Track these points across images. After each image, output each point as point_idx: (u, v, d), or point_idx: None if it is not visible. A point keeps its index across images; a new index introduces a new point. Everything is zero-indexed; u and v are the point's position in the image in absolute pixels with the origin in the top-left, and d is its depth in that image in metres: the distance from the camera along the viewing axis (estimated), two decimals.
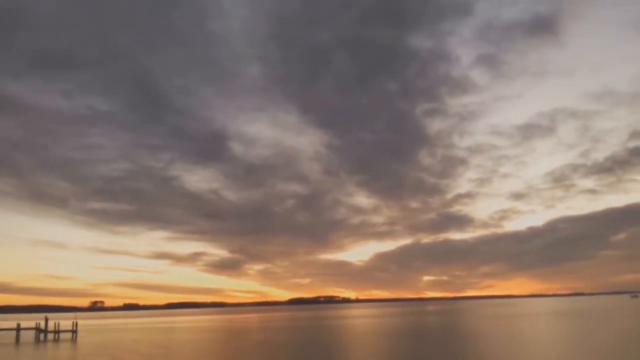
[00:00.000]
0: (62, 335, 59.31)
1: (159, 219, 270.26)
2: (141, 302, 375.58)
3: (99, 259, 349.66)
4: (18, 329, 54.93)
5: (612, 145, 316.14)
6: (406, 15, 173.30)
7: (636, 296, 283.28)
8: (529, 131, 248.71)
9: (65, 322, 78.86)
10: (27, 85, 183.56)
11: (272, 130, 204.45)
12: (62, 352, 40.45)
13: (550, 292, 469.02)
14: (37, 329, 57.77)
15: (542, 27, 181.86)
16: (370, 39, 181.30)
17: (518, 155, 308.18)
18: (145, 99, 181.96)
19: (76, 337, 56.30)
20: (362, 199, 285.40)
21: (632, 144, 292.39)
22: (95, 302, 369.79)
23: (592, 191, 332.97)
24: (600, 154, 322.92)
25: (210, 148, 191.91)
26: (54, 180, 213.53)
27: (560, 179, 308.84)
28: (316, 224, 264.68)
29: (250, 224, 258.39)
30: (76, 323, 60.11)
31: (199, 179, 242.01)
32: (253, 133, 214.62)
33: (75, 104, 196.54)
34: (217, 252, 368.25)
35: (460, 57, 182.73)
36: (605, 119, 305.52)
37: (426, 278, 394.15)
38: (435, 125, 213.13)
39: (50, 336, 58.56)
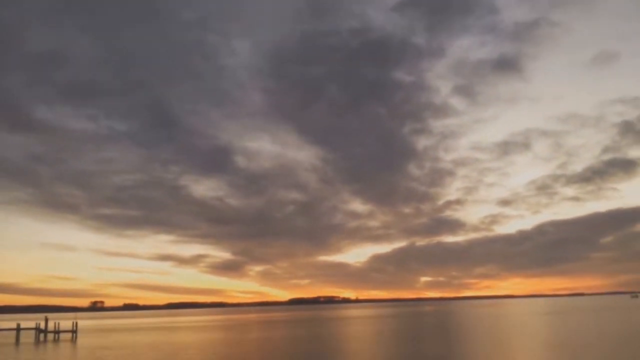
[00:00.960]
0: (62, 336, 59.23)
1: (165, 223, 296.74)
2: (142, 302, 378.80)
3: (105, 260, 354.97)
4: (18, 329, 54.92)
5: (587, 159, 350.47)
6: (389, 56, 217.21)
7: (636, 296, 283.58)
8: (507, 147, 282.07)
9: (65, 322, 78.89)
10: (57, 112, 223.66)
11: (273, 146, 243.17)
12: (62, 352, 40.57)
13: (550, 292, 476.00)
14: (37, 329, 57.78)
15: (507, 65, 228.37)
16: (358, 73, 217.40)
17: (500, 168, 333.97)
18: (160, 121, 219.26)
19: (76, 337, 56.32)
20: (358, 205, 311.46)
21: (606, 157, 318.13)
22: (95, 302, 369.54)
23: (575, 198, 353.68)
24: (577, 166, 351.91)
25: (217, 161, 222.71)
26: (69, 190, 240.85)
27: (543, 188, 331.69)
28: (315, 228, 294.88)
29: (252, 228, 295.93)
30: (76, 323, 60.10)
31: (205, 188, 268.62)
32: (256, 148, 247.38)
33: (98, 126, 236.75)
34: (220, 254, 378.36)
35: (439, 88, 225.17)
36: (575, 137, 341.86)
37: (424, 279, 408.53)
38: (421, 142, 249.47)
39: (50, 336, 58.54)
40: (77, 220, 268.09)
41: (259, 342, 44.94)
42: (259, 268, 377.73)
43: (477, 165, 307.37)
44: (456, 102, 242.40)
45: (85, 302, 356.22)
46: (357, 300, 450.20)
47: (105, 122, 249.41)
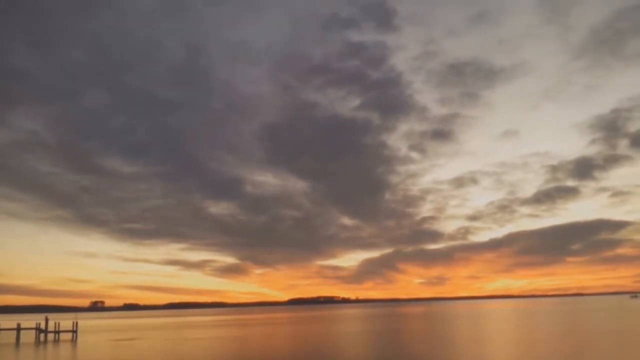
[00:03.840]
0: (62, 336, 59.06)
1: (181, 234, 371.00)
2: (143, 302, 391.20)
3: (120, 265, 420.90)
4: (18, 329, 54.47)
5: (532, 188, 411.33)
6: (356, 130, 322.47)
7: (636, 296, 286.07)
8: (460, 182, 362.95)
9: (66, 322, 79.02)
10: (114, 162, 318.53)
11: (274, 180, 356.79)
12: (61, 352, 40.76)
13: (548, 293, 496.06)
14: (37, 329, 57.67)
15: (443, 135, 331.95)
16: (334, 139, 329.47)
17: (459, 195, 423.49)
18: (189, 165, 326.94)
19: (76, 337, 56.08)
20: (346, 220, 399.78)
21: (549, 186, 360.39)
22: (95, 302, 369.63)
23: (534, 215, 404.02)
24: (526, 193, 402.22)
25: (231, 189, 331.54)
26: (103, 210, 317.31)
27: (502, 207, 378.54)
28: (310, 238, 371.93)
29: (256, 238, 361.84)
30: (76, 323, 59.58)
31: (220, 208, 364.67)
32: (261, 180, 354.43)
33: (142, 169, 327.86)
34: (225, 259, 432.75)
35: (399, 147, 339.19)
36: (513, 176, 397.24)
37: (417, 280, 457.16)
38: (392, 179, 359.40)
39: (51, 336, 58.22)
40: (103, 232, 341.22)
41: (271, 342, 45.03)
42: (260, 271, 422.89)
43: (440, 193, 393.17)
44: (414, 155, 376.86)
45: (86, 302, 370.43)
46: (357, 300, 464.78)
47: (149, 168, 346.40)
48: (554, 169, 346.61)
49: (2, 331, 62.22)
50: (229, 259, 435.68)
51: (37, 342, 52.63)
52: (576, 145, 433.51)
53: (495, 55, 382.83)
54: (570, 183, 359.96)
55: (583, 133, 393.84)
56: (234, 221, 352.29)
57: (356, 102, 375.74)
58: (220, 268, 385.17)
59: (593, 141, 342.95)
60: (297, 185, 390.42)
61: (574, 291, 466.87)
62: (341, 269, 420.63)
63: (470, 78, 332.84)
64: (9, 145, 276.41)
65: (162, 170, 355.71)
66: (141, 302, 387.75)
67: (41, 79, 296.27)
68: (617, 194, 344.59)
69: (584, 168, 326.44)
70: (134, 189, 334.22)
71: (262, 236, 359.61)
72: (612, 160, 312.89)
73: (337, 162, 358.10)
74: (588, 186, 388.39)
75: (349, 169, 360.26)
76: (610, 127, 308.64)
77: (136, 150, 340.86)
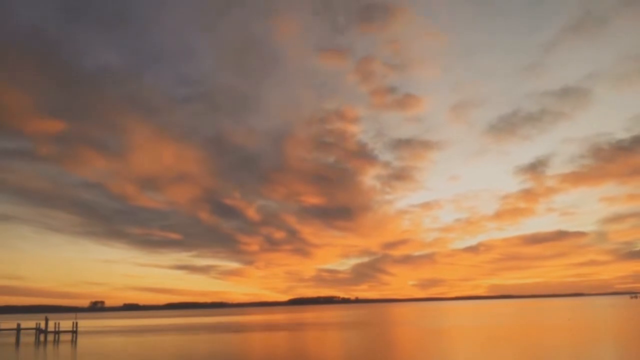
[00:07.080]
0: (62, 336, 58.85)
1: (191, 244, 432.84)
2: (142, 302, 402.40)
3: (132, 269, 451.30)
4: (18, 329, 54.17)
5: (490, 210, 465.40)
6: (335, 173, 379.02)
7: (636, 297, 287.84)
8: (427, 206, 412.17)
9: (66, 322, 79.03)
10: (150, 194, 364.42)
11: (274, 204, 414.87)
12: (61, 353, 40.72)
13: (546, 293, 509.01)
14: (37, 330, 57.47)
15: (405, 178, 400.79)
16: (319, 180, 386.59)
17: (429, 215, 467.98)
18: (206, 196, 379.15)
19: (76, 337, 55.84)
20: (335, 232, 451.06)
21: (506, 207, 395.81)
22: (95, 302, 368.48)
23: (499, 228, 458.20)
24: (484, 213, 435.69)
25: (238, 210, 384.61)
26: (130, 226, 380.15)
27: (469, 222, 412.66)
28: (305, 246, 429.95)
29: (258, 246, 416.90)
30: (76, 323, 59.12)
31: (229, 225, 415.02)
32: (263, 204, 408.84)
33: (169, 198, 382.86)
34: (229, 264, 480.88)
35: (374, 184, 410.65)
36: (470, 202, 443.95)
37: (409, 282, 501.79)
38: (372, 205, 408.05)
39: (50, 337, 58.01)
40: (125, 242, 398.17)
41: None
42: (260, 273, 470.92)
43: (415, 213, 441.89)
44: (386, 188, 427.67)
45: (86, 302, 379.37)
46: (356, 300, 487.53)
47: (174, 198, 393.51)
48: (503, 197, 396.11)
49: (2, 331, 62.13)
50: (233, 264, 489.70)
51: (37, 342, 52.59)
52: (512, 183, 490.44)
53: (425, 136, 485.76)
54: (522, 205, 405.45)
55: (513, 178, 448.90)
56: (240, 233, 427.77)
57: (332, 159, 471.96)
58: (224, 272, 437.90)
59: (525, 180, 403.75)
60: (294, 207, 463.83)
61: (570, 291, 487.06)
62: (337, 272, 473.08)
63: (413, 146, 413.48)
64: (78, 185, 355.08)
65: (184, 200, 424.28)
66: (141, 303, 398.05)
67: (109, 146, 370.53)
68: (565, 213, 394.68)
69: (529, 195, 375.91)
70: (160, 211, 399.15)
71: (262, 245, 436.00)
72: (549, 191, 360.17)
73: (325, 193, 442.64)
74: (539, 207, 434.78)
75: (335, 197, 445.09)
76: (533, 172, 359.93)
77: (167, 188, 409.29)
